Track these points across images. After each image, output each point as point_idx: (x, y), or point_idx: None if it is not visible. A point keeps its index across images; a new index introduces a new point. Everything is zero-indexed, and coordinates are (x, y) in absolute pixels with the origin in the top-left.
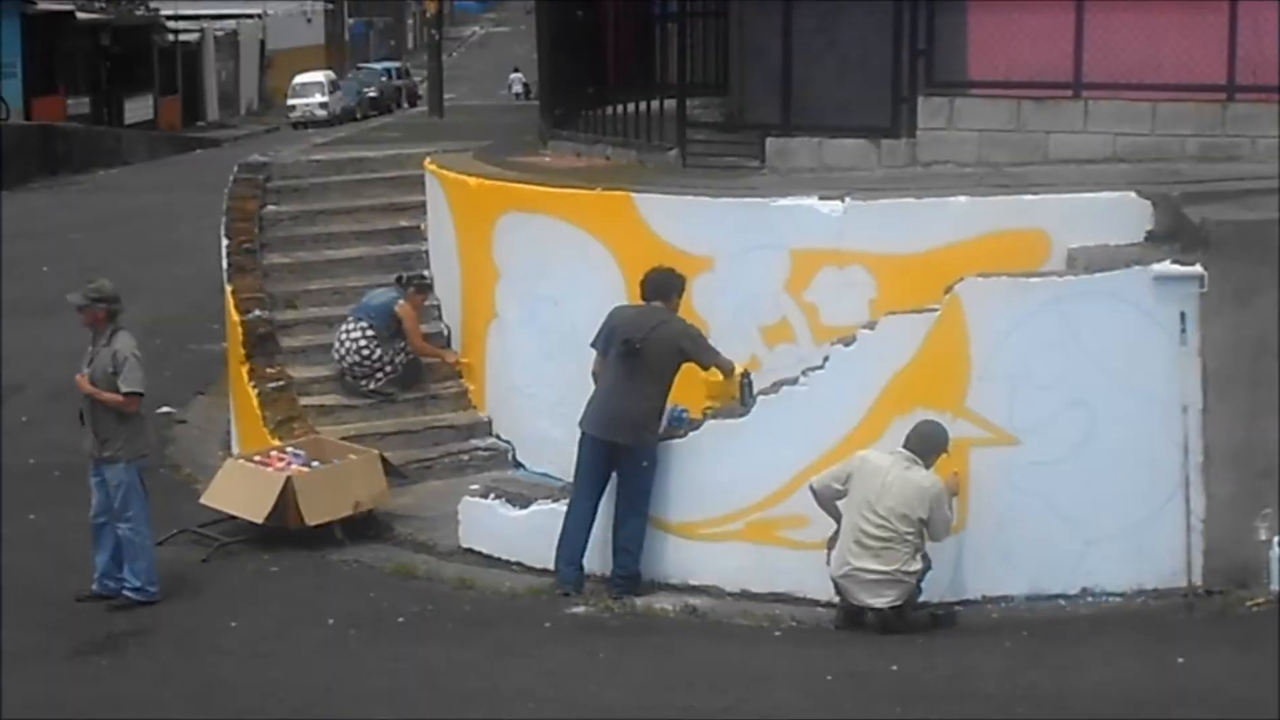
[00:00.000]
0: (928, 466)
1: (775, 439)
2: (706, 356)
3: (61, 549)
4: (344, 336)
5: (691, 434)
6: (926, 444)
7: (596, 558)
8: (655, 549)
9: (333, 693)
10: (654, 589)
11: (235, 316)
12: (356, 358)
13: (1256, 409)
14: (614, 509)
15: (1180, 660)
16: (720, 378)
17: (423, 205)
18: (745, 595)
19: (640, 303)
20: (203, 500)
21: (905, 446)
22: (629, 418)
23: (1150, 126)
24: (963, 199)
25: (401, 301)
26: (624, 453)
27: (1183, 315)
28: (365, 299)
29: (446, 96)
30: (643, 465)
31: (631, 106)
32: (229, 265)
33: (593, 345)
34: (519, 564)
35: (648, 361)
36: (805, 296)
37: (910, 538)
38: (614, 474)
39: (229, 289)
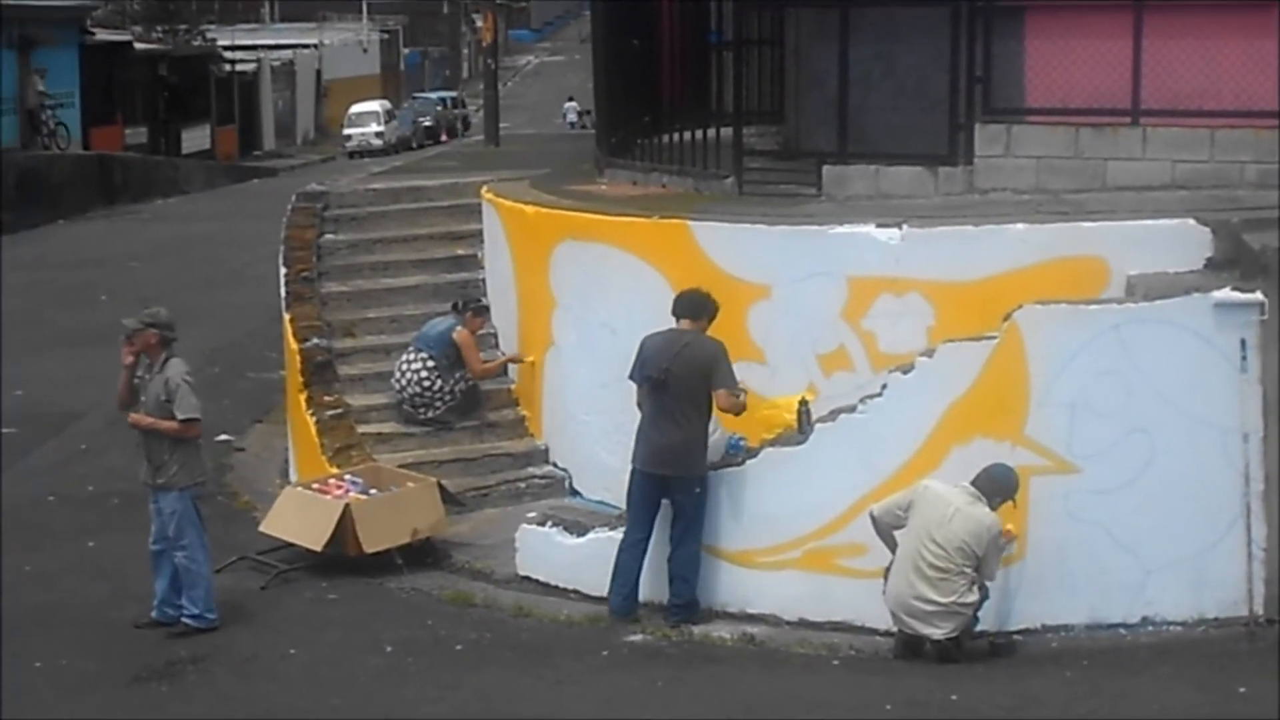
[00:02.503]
0: (992, 508)
1: (833, 467)
2: (719, 378)
3: (121, 576)
4: (405, 368)
5: (749, 462)
6: (995, 486)
7: (656, 586)
8: (712, 577)
9: None
10: (711, 617)
11: (293, 344)
12: (417, 389)
13: None
14: (668, 537)
15: (1242, 690)
16: (724, 401)
17: (479, 234)
18: (803, 624)
19: (672, 325)
20: (261, 528)
21: (974, 483)
22: (669, 449)
23: (1209, 153)
24: (1020, 226)
25: (460, 328)
26: (674, 483)
27: (1243, 342)
28: (424, 329)
29: (502, 125)
30: (695, 493)
31: (687, 135)
32: (287, 293)
33: (630, 378)
34: (576, 592)
35: (676, 390)
36: (863, 324)
37: (968, 570)
38: (665, 502)
39: (287, 317)
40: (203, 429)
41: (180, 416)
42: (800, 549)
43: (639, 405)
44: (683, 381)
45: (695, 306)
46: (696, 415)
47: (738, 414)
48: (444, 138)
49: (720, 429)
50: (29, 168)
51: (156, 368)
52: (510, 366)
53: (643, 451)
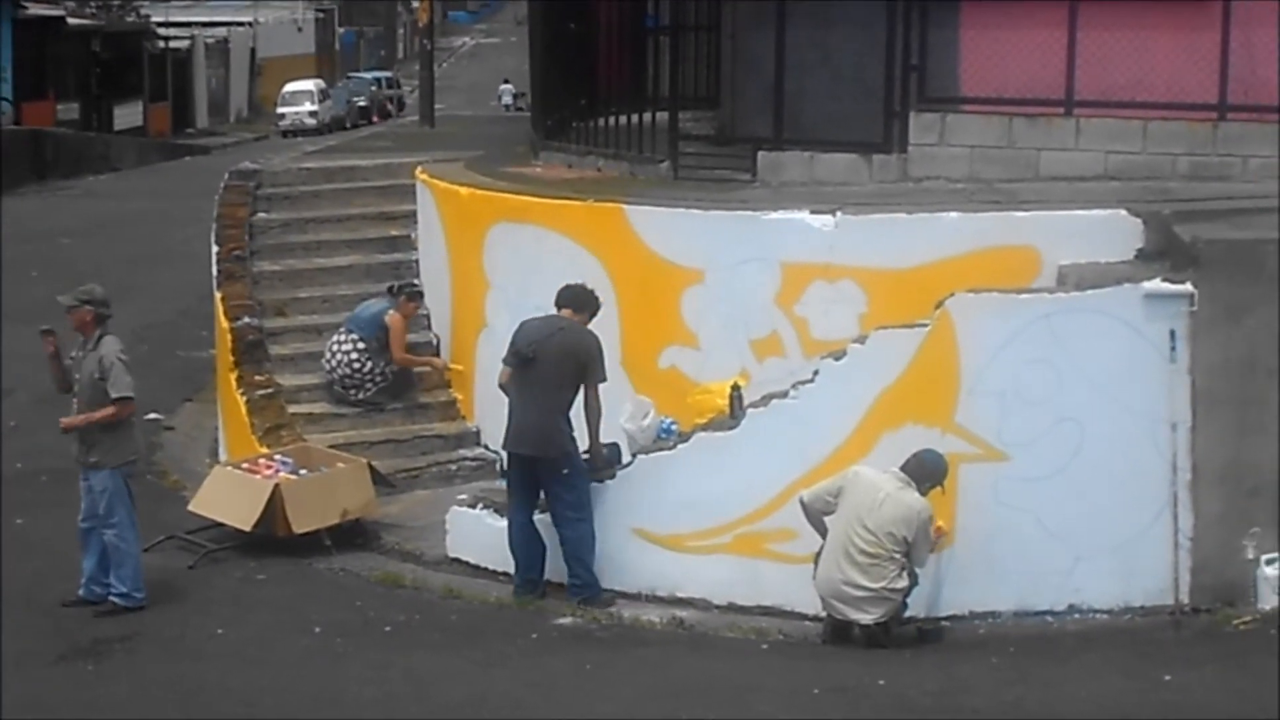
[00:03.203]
0: (922, 493)
1: (764, 452)
2: (591, 374)
3: (49, 554)
4: (335, 348)
5: (680, 446)
6: (924, 471)
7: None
8: (642, 561)
9: (318, 700)
10: (640, 600)
11: (224, 323)
12: (346, 370)
13: (1245, 427)
14: (551, 522)
15: (1167, 678)
16: (596, 396)
17: (413, 214)
18: (733, 608)
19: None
20: (190, 507)
21: (903, 469)
22: (531, 429)
23: (1141, 145)
24: (954, 215)
25: (392, 312)
26: (540, 465)
27: (1173, 333)
28: (357, 310)
29: (437, 107)
30: (563, 474)
31: (623, 119)
32: (219, 272)
33: (504, 360)
34: (506, 574)
35: (542, 370)
36: (795, 310)
37: (898, 556)
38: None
39: (218, 295)
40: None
41: (114, 395)
42: (730, 534)
43: (500, 387)
44: (551, 363)
45: (578, 299)
46: (559, 399)
47: (595, 418)
48: (375, 119)
49: (652, 413)
50: None
51: (90, 345)
52: (443, 348)
53: (508, 431)
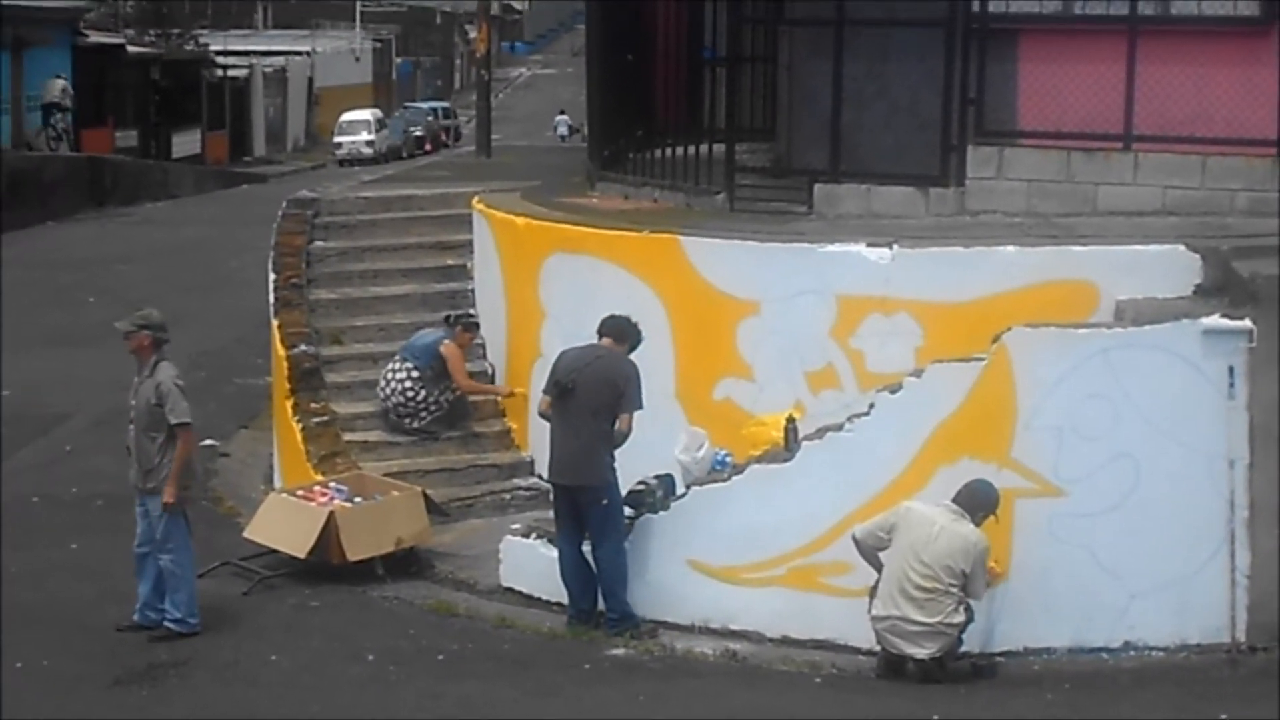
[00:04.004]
0: (976, 524)
1: (819, 485)
2: (627, 402)
3: (104, 578)
4: (389, 376)
5: (735, 478)
6: (976, 501)
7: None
8: (696, 592)
9: None
10: (693, 632)
11: (281, 351)
12: (401, 399)
13: None
14: (591, 552)
15: (1223, 717)
16: (626, 424)
17: (469, 244)
18: (786, 641)
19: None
20: (245, 534)
21: (955, 501)
22: (569, 458)
23: (1200, 180)
24: (1011, 249)
25: (447, 341)
26: (576, 494)
27: (1231, 370)
28: (412, 339)
29: (493, 137)
30: (601, 504)
31: (679, 150)
32: (275, 299)
33: (544, 390)
34: (559, 604)
35: (581, 399)
36: (851, 343)
37: (954, 590)
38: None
39: (275, 323)
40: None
41: (172, 420)
42: (785, 566)
43: (541, 415)
44: (589, 391)
45: (619, 330)
46: (597, 427)
47: (623, 440)
48: (430, 148)
49: (707, 444)
50: (19, 168)
51: (147, 371)
52: (498, 378)
53: (550, 461)
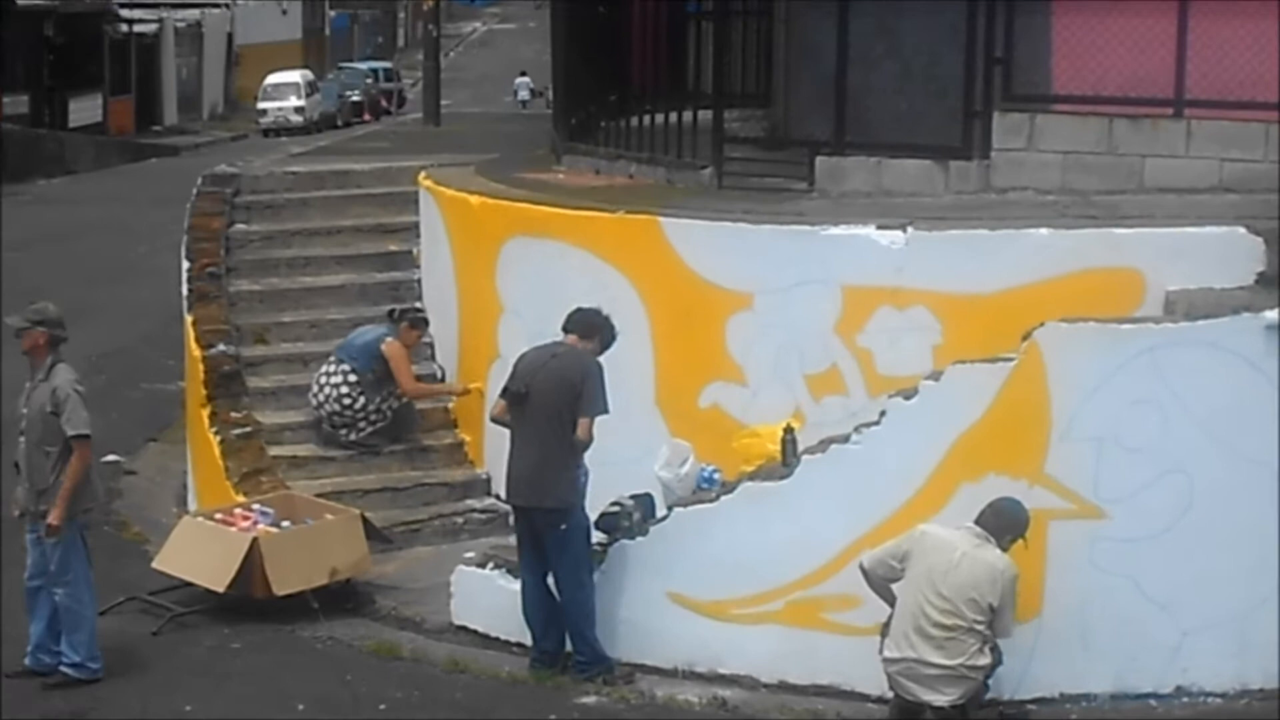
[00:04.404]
0: (1003, 549)
1: (822, 505)
2: (585, 404)
3: None
4: (323, 381)
5: (724, 498)
6: (1003, 523)
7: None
8: (679, 631)
9: None
10: (676, 677)
11: (196, 351)
12: (336, 406)
13: None
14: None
15: None
16: (583, 430)
17: (415, 227)
18: (783, 687)
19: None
20: (155, 564)
21: (978, 523)
22: (525, 475)
23: (1263, 151)
24: (1044, 231)
25: (390, 340)
26: (534, 516)
27: None
28: (349, 337)
29: (443, 102)
30: (559, 530)
31: (660, 118)
32: (190, 292)
33: (500, 393)
34: (520, 645)
35: (536, 404)
36: (859, 341)
37: (979, 627)
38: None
39: (189, 319)
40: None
41: (70, 432)
42: (782, 600)
43: (493, 420)
44: (545, 396)
45: (587, 325)
46: (557, 439)
47: (583, 448)
48: (370, 116)
49: (691, 459)
50: None
51: (41, 374)
52: (449, 378)
53: (506, 479)
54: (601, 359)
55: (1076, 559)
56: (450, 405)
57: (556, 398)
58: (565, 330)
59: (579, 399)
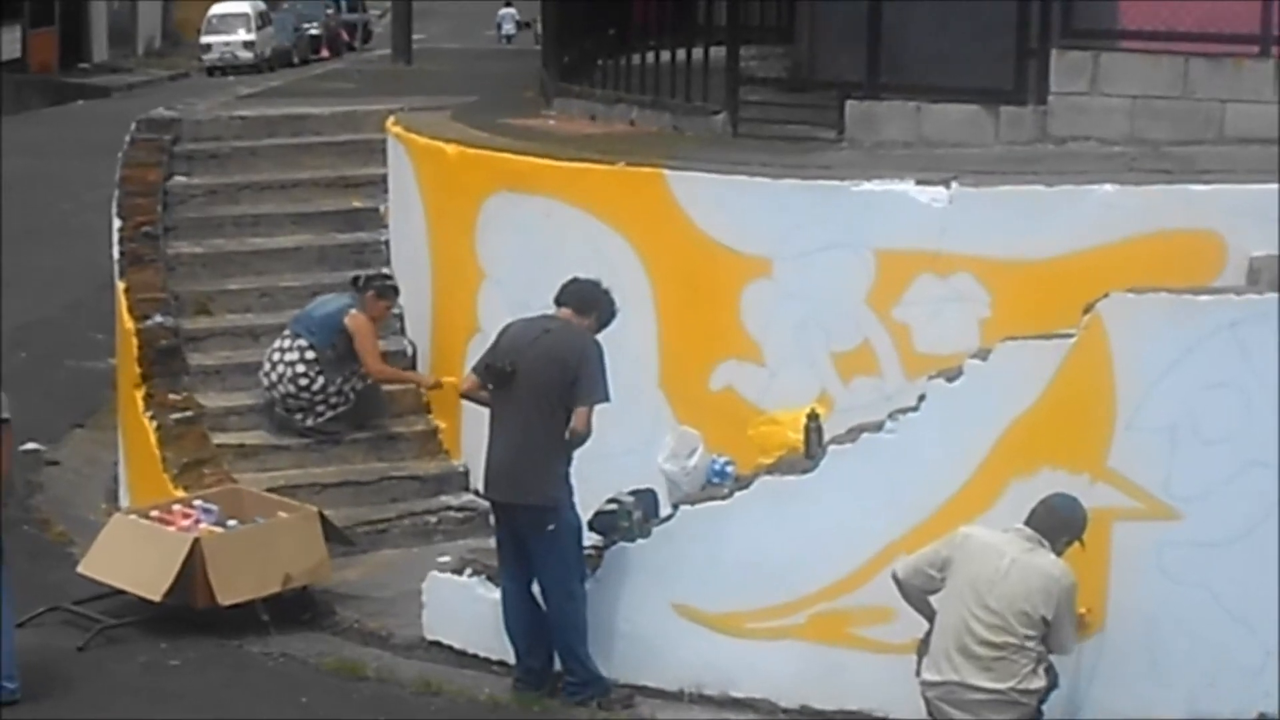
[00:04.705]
0: (1058, 553)
1: (850, 504)
2: (584, 390)
3: None
4: (277, 358)
5: (738, 494)
6: (1057, 522)
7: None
8: (686, 647)
9: None
10: (682, 700)
11: (129, 323)
12: (292, 387)
13: None
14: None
15: None
16: (581, 420)
17: (383, 181)
18: (806, 712)
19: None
20: (81, 568)
21: (1028, 524)
22: (507, 468)
23: None
24: (1108, 188)
25: (354, 311)
26: (518, 514)
27: None
28: (307, 308)
29: (415, 37)
30: (547, 530)
31: (666, 55)
32: (121, 255)
33: (474, 370)
34: (502, 663)
35: (522, 387)
36: (894, 314)
37: (1031, 645)
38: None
39: (121, 286)
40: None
41: None
42: (804, 612)
43: (464, 396)
44: (534, 377)
45: (583, 298)
46: (546, 426)
47: (579, 442)
48: (325, 51)
49: (700, 449)
50: None
51: None
52: (420, 361)
53: (485, 472)
54: (599, 338)
55: (1144, 566)
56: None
57: (548, 379)
58: (558, 303)
59: (575, 384)
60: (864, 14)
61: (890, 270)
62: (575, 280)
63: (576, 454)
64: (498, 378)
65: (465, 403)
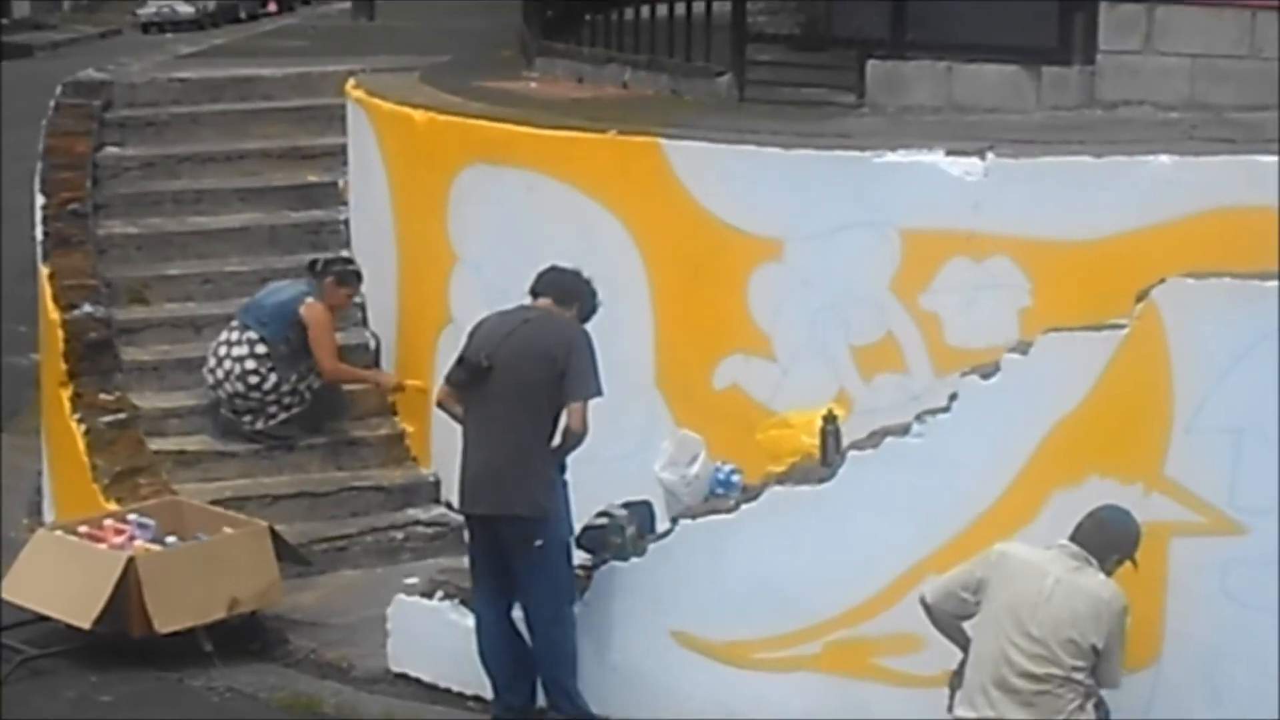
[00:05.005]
0: (1107, 573)
1: (873, 517)
2: (574, 385)
3: None
4: (223, 353)
5: (745, 507)
6: (1106, 538)
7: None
8: (687, 679)
9: None
10: None
11: (54, 314)
12: (240, 385)
13: None
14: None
15: None
16: (576, 419)
17: (342, 152)
18: None
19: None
20: (0, 592)
21: (1073, 540)
22: (488, 477)
23: None
24: (1165, 159)
25: (311, 300)
26: (500, 529)
27: None
28: (257, 297)
29: None
30: (534, 546)
31: (664, 9)
32: (46, 236)
33: (447, 376)
34: (478, 698)
35: (502, 384)
36: (922, 302)
37: (1079, 676)
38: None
39: (45, 272)
40: None
41: None
42: (820, 641)
43: (439, 406)
44: (515, 373)
45: (564, 289)
46: (531, 427)
47: (574, 444)
48: (272, 6)
49: (703, 456)
50: None
51: None
52: (384, 356)
53: (461, 482)
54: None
55: (1206, 587)
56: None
57: (532, 373)
58: (534, 294)
59: (563, 377)
60: None
61: (917, 253)
62: (553, 269)
63: (570, 458)
64: (472, 374)
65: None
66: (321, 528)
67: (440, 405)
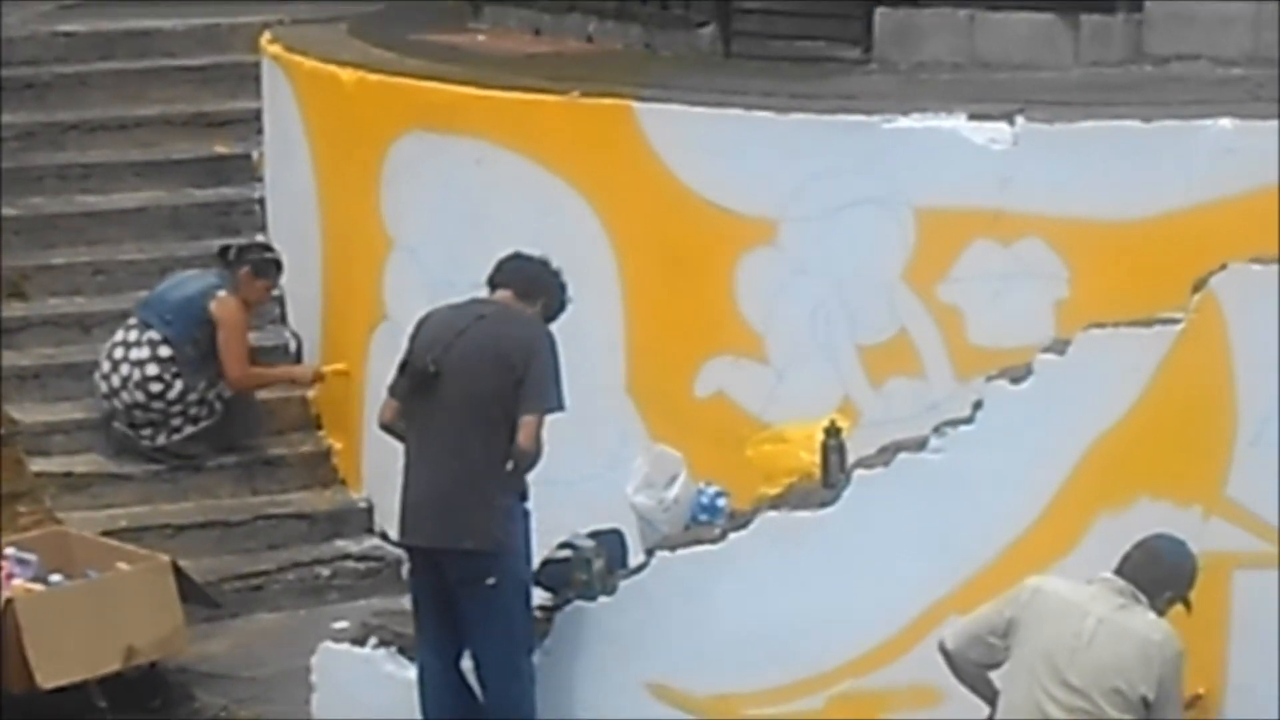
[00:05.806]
0: (1158, 612)
1: (884, 548)
2: (530, 395)
3: None
4: (119, 356)
5: (733, 535)
6: (1159, 572)
7: None
8: None
9: None
10: None
11: None
12: (139, 395)
13: None
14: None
15: None
16: (527, 435)
17: (257, 119)
18: None
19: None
20: None
21: (1119, 573)
22: (434, 503)
23: None
24: (1225, 124)
25: (223, 293)
26: (447, 563)
27: None
28: (160, 289)
29: None
30: (486, 585)
31: None
32: None
33: (389, 387)
34: None
35: (450, 393)
36: (941, 294)
37: None
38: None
39: None
40: None
41: None
42: (823, 694)
43: (384, 428)
44: (465, 379)
45: (527, 280)
46: (485, 444)
47: (526, 466)
48: None
49: (683, 476)
50: None
51: None
52: (308, 352)
53: (403, 509)
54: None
55: (1274, 628)
56: (310, 395)
57: (485, 381)
58: (493, 285)
59: (520, 385)
60: None
61: (935, 235)
62: (517, 256)
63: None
64: (417, 381)
65: (367, 414)
66: (234, 563)
67: (385, 428)
